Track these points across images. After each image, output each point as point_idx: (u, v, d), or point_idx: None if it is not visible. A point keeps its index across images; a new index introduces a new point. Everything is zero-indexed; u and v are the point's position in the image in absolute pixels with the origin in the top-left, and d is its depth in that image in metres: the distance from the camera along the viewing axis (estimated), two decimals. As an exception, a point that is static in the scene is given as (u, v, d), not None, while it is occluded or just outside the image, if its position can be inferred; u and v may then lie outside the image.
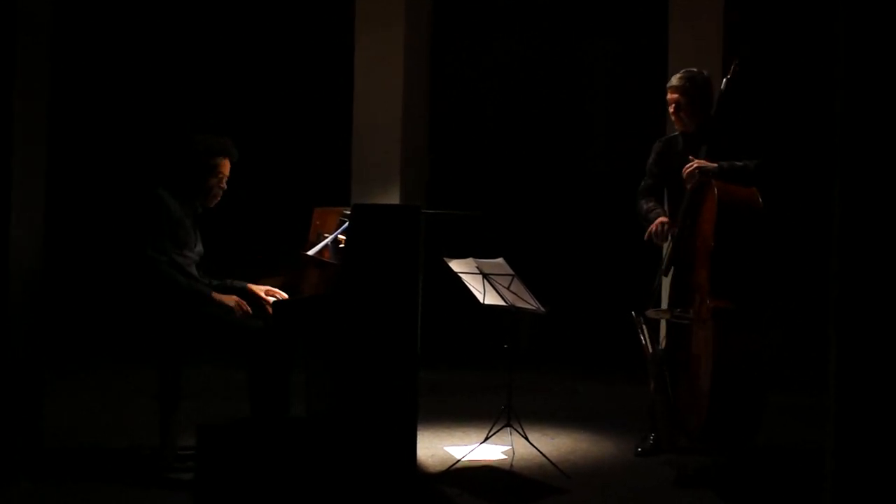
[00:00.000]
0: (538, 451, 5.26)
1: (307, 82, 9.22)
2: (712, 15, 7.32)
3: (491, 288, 5.17)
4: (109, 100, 9.14)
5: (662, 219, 5.32)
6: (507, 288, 5.07)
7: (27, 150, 4.99)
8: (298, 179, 8.86)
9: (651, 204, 5.44)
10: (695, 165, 5.12)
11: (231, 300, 4.99)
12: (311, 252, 5.18)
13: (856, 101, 3.00)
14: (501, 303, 5.23)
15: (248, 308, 4.99)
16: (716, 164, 5.10)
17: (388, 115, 7.83)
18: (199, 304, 4.96)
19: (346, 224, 4.92)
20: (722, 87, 5.19)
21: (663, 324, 5.57)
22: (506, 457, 5.37)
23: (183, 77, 9.18)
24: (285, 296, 5.10)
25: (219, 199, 5.19)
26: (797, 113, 7.45)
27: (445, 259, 5.28)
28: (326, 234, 5.18)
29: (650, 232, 5.33)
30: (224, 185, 5.16)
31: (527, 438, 5.24)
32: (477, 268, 5.13)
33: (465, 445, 5.54)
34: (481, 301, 5.35)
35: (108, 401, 6.77)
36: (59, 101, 6.32)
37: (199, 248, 5.19)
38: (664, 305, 5.62)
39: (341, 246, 4.99)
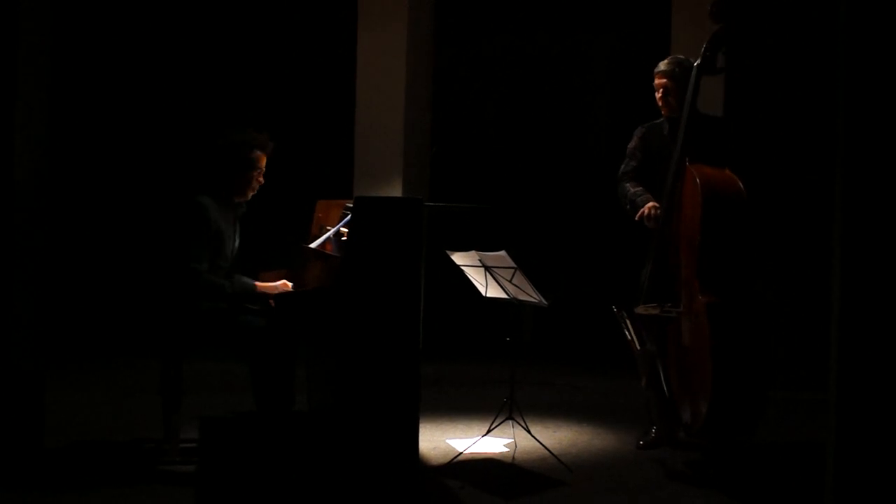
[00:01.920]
0: (540, 443, 5.26)
1: (311, 76, 9.22)
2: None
3: (493, 281, 5.17)
4: (116, 100, 9.14)
5: (653, 203, 5.27)
6: (510, 281, 5.06)
7: (30, 152, 5.01)
8: (302, 172, 8.86)
9: (639, 188, 5.39)
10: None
11: (275, 288, 5.09)
12: (313, 245, 5.19)
13: (857, 96, 3.00)
14: (504, 296, 5.24)
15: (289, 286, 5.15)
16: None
17: (391, 108, 7.83)
18: (247, 301, 5.07)
19: (349, 217, 4.92)
20: (693, 73, 5.17)
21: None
22: (508, 449, 5.37)
23: (189, 74, 9.18)
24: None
25: (255, 192, 5.25)
26: (790, 100, 7.42)
27: (448, 252, 5.28)
28: (329, 227, 5.18)
29: (642, 214, 5.28)
30: (261, 180, 5.22)
31: (529, 431, 5.24)
32: (479, 261, 5.13)
33: (467, 438, 5.55)
34: (483, 294, 5.35)
35: (111, 395, 6.77)
36: (66, 101, 6.36)
37: (236, 245, 5.23)
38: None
39: (344, 239, 4.99)
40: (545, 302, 5.05)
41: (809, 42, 7.33)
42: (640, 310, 5.23)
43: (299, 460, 4.44)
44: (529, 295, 5.07)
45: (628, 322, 5.26)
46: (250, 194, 5.23)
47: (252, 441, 4.43)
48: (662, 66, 5.40)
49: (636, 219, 5.32)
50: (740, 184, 4.96)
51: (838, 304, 2.99)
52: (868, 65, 2.96)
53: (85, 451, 5.30)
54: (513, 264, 4.97)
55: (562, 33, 9.28)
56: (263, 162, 5.20)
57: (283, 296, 5.03)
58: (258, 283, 5.18)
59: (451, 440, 5.60)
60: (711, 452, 5.09)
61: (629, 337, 5.26)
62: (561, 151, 9.31)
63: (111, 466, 5.04)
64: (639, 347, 5.25)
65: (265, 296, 5.09)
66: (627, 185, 5.46)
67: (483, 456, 5.29)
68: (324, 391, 5.18)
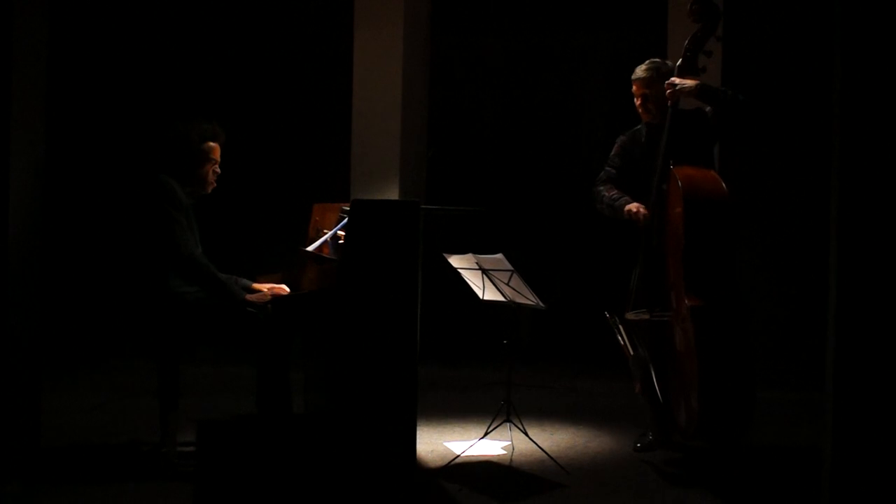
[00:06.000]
0: (537, 446, 5.27)
1: (307, 78, 9.22)
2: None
3: (490, 284, 5.17)
4: (109, 98, 9.13)
5: (637, 203, 5.23)
6: (507, 284, 5.07)
7: (25, 144, 4.99)
8: (298, 175, 8.86)
9: (614, 192, 5.37)
10: (675, 82, 5.11)
11: (264, 298, 4.97)
12: (310, 248, 5.19)
13: (854, 97, 3.00)
14: (501, 298, 5.24)
15: (285, 290, 5.04)
16: (696, 83, 5.08)
17: (387, 111, 7.84)
18: (229, 303, 4.92)
19: (346, 220, 4.92)
20: (675, 74, 5.18)
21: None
22: (505, 452, 5.38)
23: (183, 74, 9.17)
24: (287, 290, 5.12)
25: (215, 185, 5.13)
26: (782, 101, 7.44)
27: (445, 255, 5.29)
28: (326, 231, 5.18)
29: (629, 212, 5.23)
30: (218, 170, 5.11)
31: (526, 434, 5.25)
32: (476, 263, 5.13)
33: (465, 441, 5.56)
34: (481, 297, 5.35)
35: (108, 397, 6.77)
36: (61, 99, 6.35)
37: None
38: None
39: (340, 242, 4.99)
40: (542, 305, 5.06)
41: (806, 41, 7.34)
42: (630, 315, 5.25)
43: (297, 463, 4.44)
44: (526, 298, 5.08)
45: (621, 328, 5.27)
46: (210, 189, 5.11)
47: (250, 444, 4.43)
48: (639, 72, 5.33)
49: (625, 217, 5.28)
50: (723, 185, 4.97)
51: (834, 302, 3.00)
52: (866, 65, 2.97)
53: (82, 453, 5.30)
54: (510, 267, 4.98)
55: (558, 33, 9.30)
56: (218, 153, 5.08)
57: (280, 299, 5.02)
58: (248, 296, 5.01)
59: (448, 443, 5.60)
60: (707, 454, 5.09)
61: (622, 342, 5.28)
62: (558, 152, 9.32)
63: (108, 469, 5.04)
64: (632, 353, 5.27)
65: (251, 303, 5.00)
66: (601, 188, 5.46)
67: (480, 458, 5.29)
68: (321, 394, 5.18)
